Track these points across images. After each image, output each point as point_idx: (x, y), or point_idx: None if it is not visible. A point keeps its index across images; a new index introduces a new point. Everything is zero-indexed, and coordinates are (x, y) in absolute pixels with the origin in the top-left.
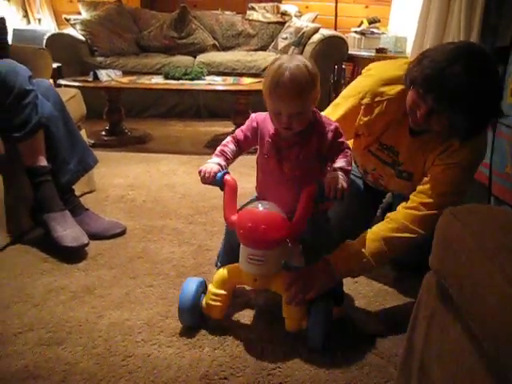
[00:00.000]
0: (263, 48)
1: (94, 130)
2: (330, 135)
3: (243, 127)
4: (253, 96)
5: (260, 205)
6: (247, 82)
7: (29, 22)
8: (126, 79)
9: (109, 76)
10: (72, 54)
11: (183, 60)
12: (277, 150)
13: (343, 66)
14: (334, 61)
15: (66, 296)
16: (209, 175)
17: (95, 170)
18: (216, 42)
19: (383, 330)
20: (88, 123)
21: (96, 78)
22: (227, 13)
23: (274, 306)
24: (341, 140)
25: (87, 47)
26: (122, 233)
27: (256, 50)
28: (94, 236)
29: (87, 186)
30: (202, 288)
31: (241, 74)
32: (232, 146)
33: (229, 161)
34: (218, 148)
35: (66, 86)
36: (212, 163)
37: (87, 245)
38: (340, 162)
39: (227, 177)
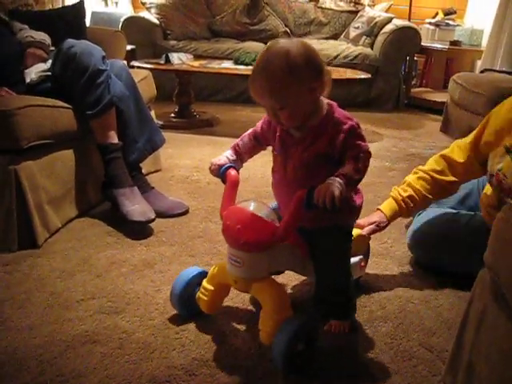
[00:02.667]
0: (335, 37)
1: (164, 112)
2: (341, 136)
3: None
4: None
5: (252, 204)
6: None
7: (106, 4)
8: (196, 63)
9: (180, 59)
10: (146, 37)
11: (254, 46)
12: (283, 146)
13: (415, 58)
14: (405, 52)
15: (127, 269)
16: (214, 167)
17: (162, 151)
18: (287, 29)
19: (436, 323)
20: (158, 105)
21: (168, 60)
22: (300, 0)
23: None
24: (356, 142)
25: (161, 31)
26: (185, 212)
27: (327, 38)
28: (157, 214)
29: (154, 165)
30: (200, 279)
31: None
32: (246, 140)
33: (241, 155)
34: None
35: (138, 67)
36: (222, 156)
37: (154, 220)
38: (345, 168)
39: (230, 171)
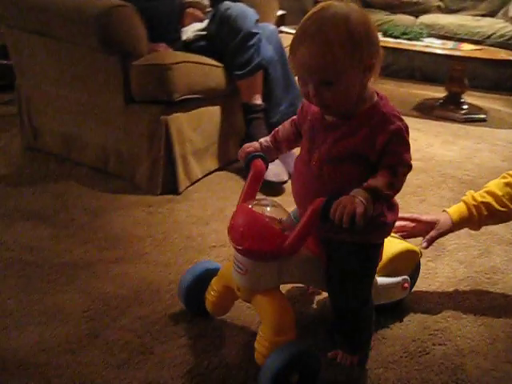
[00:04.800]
0: (491, 14)
1: None
2: (383, 137)
3: None
4: (471, 64)
5: (267, 206)
6: (467, 49)
7: None
8: None
9: None
10: (296, 3)
11: (404, 19)
12: (311, 131)
13: None
14: None
15: None
16: (241, 154)
17: None
18: (441, 4)
19: None
20: None
21: None
22: None
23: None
24: (398, 149)
25: None
26: None
27: (483, 15)
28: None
29: None
30: (212, 275)
31: (463, 40)
32: (287, 125)
33: (279, 142)
34: None
35: (287, 33)
36: (256, 142)
37: (286, 182)
38: (377, 180)
39: (256, 161)
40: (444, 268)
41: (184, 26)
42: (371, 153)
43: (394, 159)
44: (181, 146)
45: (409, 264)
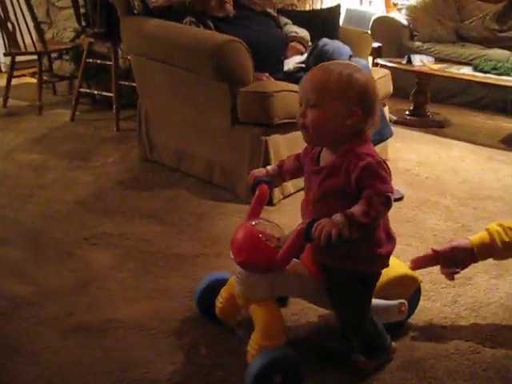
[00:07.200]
0: None
1: (398, 108)
2: (354, 174)
3: None
4: None
5: (266, 226)
6: None
7: (361, 3)
8: (436, 66)
9: (421, 61)
10: (393, 37)
11: (499, 54)
12: (308, 173)
13: None
14: None
15: None
16: (250, 178)
17: (391, 144)
18: None
19: None
20: (394, 101)
21: (409, 61)
22: None
23: None
24: (371, 183)
25: (408, 31)
26: (399, 199)
27: None
28: None
29: (381, 154)
30: (222, 284)
31: None
32: (292, 159)
33: (283, 172)
34: None
35: (381, 65)
36: (263, 168)
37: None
38: (355, 208)
39: (262, 186)
40: (505, 285)
41: (286, 58)
42: (350, 188)
43: (370, 191)
44: None
45: (407, 289)
